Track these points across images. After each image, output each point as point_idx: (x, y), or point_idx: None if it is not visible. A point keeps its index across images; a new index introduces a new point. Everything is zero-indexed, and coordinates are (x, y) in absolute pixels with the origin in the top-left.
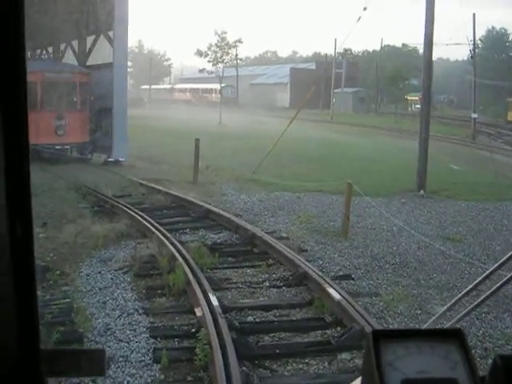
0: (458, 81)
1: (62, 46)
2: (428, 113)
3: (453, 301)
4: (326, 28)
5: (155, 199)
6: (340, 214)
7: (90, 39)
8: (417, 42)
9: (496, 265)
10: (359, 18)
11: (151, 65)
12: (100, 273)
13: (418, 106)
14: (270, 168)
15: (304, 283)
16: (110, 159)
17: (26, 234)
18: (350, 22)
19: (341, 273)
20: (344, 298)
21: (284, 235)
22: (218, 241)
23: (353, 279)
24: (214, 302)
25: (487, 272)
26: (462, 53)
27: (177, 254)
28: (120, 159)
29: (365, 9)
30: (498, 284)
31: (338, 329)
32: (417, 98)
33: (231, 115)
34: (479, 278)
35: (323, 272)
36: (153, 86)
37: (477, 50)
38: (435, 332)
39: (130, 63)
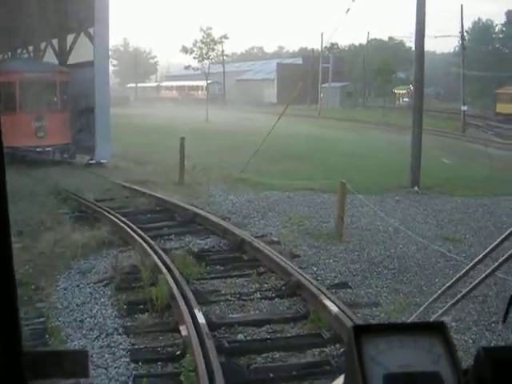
0: (445, 73)
1: (43, 45)
2: (421, 106)
3: (435, 295)
4: (312, 23)
5: (139, 203)
6: (333, 214)
7: (70, 37)
8: (403, 34)
9: (480, 256)
10: (348, 10)
11: (137, 63)
12: (78, 286)
13: (406, 99)
14: (258, 165)
15: (298, 293)
16: (91, 161)
17: (3, 238)
18: (336, 17)
19: (337, 280)
20: (341, 310)
21: (275, 239)
22: (205, 247)
23: (350, 287)
24: (201, 319)
25: (468, 267)
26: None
27: (160, 264)
28: (102, 161)
29: (353, 0)
30: (483, 275)
31: (338, 346)
32: (404, 92)
33: (218, 112)
34: (459, 274)
35: (318, 280)
36: (139, 85)
37: (464, 42)
38: (418, 326)
39: (115, 62)
